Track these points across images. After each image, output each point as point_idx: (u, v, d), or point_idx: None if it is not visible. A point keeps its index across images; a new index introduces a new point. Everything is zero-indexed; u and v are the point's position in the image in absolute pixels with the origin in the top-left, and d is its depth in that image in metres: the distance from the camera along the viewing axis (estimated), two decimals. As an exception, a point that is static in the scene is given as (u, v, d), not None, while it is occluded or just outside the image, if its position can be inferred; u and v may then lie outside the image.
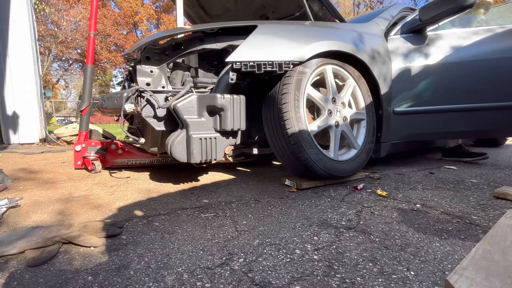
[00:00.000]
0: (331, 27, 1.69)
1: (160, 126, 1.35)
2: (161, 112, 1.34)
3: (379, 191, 1.40)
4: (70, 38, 19.04)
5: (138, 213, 1.17)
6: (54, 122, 17.64)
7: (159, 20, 25.45)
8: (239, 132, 1.44)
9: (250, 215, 1.12)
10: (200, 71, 1.66)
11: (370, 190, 1.44)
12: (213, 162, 1.39)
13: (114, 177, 1.84)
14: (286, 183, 1.56)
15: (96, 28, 2.39)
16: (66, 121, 22.71)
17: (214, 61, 1.71)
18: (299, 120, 1.38)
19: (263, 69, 1.29)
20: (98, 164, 1.96)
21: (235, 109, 1.31)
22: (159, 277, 0.70)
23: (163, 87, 1.39)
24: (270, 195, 1.39)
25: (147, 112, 1.31)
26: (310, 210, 1.17)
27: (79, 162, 2.03)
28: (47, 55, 19.01)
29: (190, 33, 1.40)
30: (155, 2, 25.38)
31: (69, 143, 3.94)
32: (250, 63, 1.28)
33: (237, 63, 1.27)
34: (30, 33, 4.17)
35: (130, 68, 1.55)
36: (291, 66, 1.36)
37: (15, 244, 0.84)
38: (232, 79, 1.31)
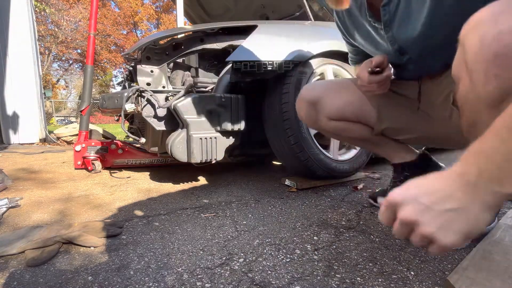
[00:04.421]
0: (332, 27, 1.69)
1: (160, 126, 1.35)
2: (162, 112, 1.34)
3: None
4: (70, 38, 19.06)
5: (138, 213, 1.17)
6: (54, 122, 17.63)
7: (159, 20, 25.45)
8: (239, 132, 1.44)
9: (250, 215, 1.12)
10: (200, 71, 1.66)
11: (370, 190, 1.44)
12: (213, 162, 1.39)
13: (114, 177, 1.83)
14: (286, 183, 1.56)
15: (96, 28, 2.39)
16: (66, 121, 22.66)
17: (214, 61, 1.71)
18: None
19: (263, 69, 1.29)
20: (98, 164, 1.95)
21: (235, 109, 1.31)
22: (159, 277, 0.70)
23: (164, 87, 1.39)
24: (270, 195, 1.39)
25: (147, 112, 1.32)
26: (310, 210, 1.17)
27: (79, 162, 2.02)
28: (47, 55, 19.01)
29: (191, 33, 1.40)
30: (155, 2, 25.38)
31: (69, 143, 3.93)
32: (251, 63, 1.28)
33: (238, 63, 1.27)
34: (30, 33, 4.16)
35: (131, 68, 1.55)
36: (292, 66, 1.36)
37: (15, 244, 0.84)
38: (232, 79, 1.31)
